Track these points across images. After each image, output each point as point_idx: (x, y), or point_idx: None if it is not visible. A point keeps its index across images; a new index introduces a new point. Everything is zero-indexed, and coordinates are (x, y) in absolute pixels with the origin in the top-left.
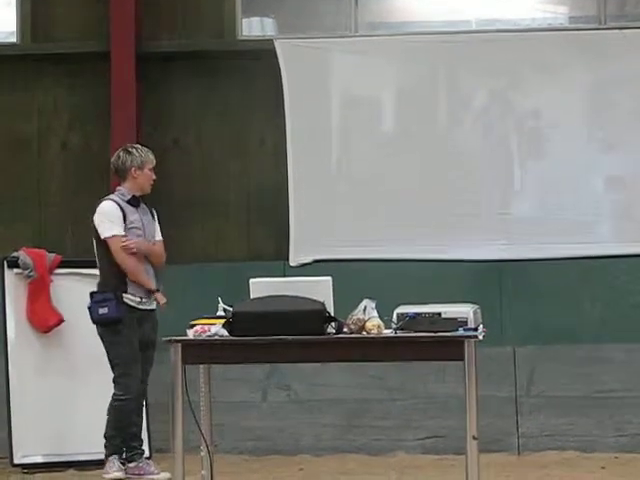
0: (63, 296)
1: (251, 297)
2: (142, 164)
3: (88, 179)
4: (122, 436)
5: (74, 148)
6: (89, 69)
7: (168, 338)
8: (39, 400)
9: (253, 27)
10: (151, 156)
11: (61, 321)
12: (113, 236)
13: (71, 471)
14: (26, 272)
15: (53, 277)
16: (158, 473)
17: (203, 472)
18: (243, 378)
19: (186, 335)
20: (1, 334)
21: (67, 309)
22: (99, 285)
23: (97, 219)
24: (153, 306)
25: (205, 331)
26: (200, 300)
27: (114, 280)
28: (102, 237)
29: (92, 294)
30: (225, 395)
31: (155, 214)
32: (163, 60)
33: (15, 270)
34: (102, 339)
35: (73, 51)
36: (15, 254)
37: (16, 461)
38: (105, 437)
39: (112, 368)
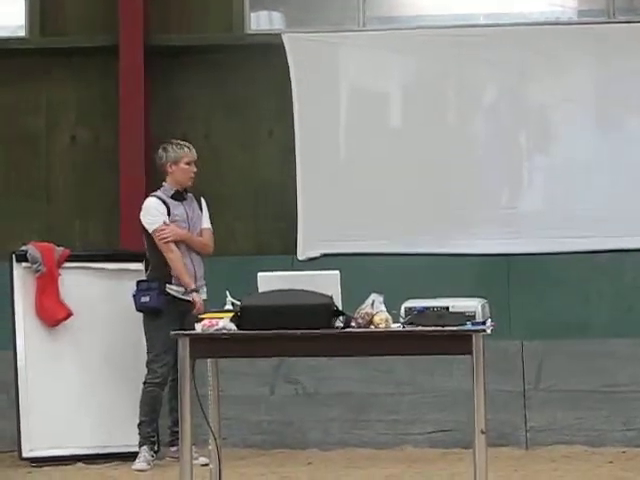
0: (72, 290)
1: (259, 291)
2: (177, 159)
3: (97, 173)
4: (152, 424)
5: (82, 142)
6: (98, 63)
7: (176, 332)
8: (47, 394)
9: (261, 21)
10: (186, 150)
11: (69, 315)
12: (156, 229)
13: (79, 464)
14: (34, 266)
15: (61, 271)
16: (197, 458)
17: (211, 466)
18: (251, 372)
19: (194, 329)
20: (10, 328)
21: (76, 303)
22: (147, 275)
23: (141, 216)
24: (202, 297)
25: (213, 325)
26: (208, 294)
27: (160, 271)
28: (150, 232)
29: (138, 282)
30: (233, 389)
31: (203, 204)
32: (171, 54)
33: (24, 264)
34: (144, 325)
35: (82, 45)
36: (23, 248)
37: (24, 454)
38: (137, 425)
39: (147, 354)
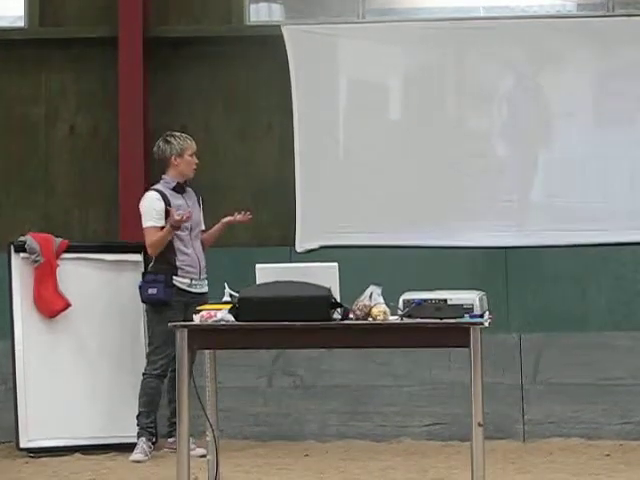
0: (70, 281)
1: (257, 283)
2: (181, 151)
3: (95, 164)
4: (151, 416)
5: (82, 133)
6: (97, 54)
7: (174, 323)
8: (45, 384)
9: (261, 13)
10: (189, 142)
11: (67, 306)
12: (147, 227)
13: (77, 455)
14: (33, 257)
15: (60, 262)
16: (194, 449)
17: (209, 457)
18: (249, 364)
19: (192, 320)
20: (8, 319)
21: (74, 294)
22: (151, 267)
23: (140, 208)
24: (204, 289)
25: (211, 316)
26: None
27: (165, 263)
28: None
29: (144, 274)
30: (231, 380)
31: (201, 202)
32: (171, 45)
33: (22, 255)
34: (147, 316)
35: (81, 36)
36: (22, 239)
37: (22, 445)
38: (136, 416)
39: (148, 345)
